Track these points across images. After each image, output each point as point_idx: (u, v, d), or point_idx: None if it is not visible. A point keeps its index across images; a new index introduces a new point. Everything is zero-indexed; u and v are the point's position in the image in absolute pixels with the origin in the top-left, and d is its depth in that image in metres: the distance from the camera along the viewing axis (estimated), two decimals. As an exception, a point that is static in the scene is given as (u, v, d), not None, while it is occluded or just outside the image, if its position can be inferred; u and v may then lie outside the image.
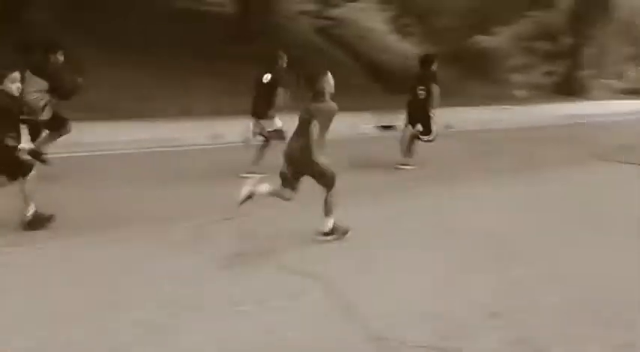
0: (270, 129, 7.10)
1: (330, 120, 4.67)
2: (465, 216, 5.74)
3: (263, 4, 15.50)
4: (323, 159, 4.65)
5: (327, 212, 4.70)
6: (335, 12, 19.04)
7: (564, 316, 3.51)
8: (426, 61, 8.23)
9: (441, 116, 12.32)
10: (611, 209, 6.19)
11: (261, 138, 7.16)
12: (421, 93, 7.94)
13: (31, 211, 4.69)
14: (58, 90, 6.30)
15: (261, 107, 7.08)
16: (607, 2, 18.75)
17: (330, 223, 4.69)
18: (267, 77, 7.04)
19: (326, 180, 4.67)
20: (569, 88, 18.85)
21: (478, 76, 17.39)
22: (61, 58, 6.43)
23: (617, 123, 14.07)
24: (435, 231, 5.20)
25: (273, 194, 4.73)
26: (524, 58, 19.72)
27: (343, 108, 12.89)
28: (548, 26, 20.06)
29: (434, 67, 8.10)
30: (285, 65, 7.24)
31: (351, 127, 11.63)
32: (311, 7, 18.38)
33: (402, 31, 16.12)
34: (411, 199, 6.37)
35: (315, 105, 4.62)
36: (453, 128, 12.23)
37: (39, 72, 6.15)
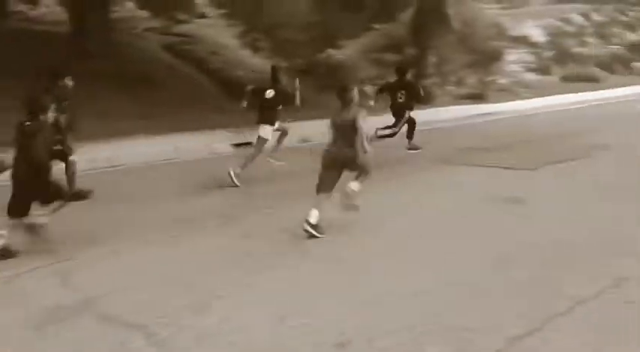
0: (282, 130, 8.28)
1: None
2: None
3: (102, 22, 14.58)
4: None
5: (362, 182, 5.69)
6: (183, 28, 18.49)
7: (415, 336, 3.40)
8: (401, 71, 10.29)
9: (298, 130, 12.33)
10: (462, 213, 6.42)
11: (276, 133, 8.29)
12: (400, 97, 9.99)
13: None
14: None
15: (267, 118, 7.99)
16: (444, 14, 19.97)
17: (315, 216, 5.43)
18: (270, 93, 7.94)
19: (367, 170, 5.68)
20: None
21: (332, 88, 17.73)
22: (70, 82, 6.50)
23: (458, 128, 14.96)
24: (285, 253, 4.99)
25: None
26: (373, 70, 20.41)
27: (196, 127, 12.34)
28: (393, 38, 20.99)
29: (409, 75, 10.32)
30: (285, 81, 8.28)
31: (205, 147, 11.23)
32: (157, 24, 17.69)
33: (252, 45, 15.97)
34: (262, 219, 6.14)
35: (353, 112, 5.61)
36: (310, 141, 12.23)
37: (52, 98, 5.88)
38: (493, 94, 21.88)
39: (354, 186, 5.63)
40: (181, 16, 17.80)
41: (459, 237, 5.53)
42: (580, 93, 22.12)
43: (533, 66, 26.61)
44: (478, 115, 17.11)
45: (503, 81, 24.13)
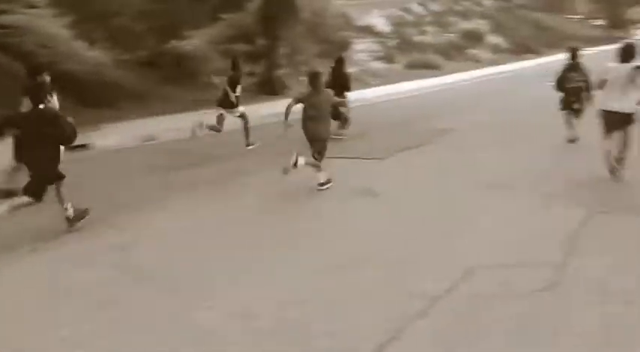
0: (237, 114, 9.77)
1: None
2: (148, 247, 5.05)
3: None
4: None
5: (318, 169, 7.03)
6: (8, 19, 16.45)
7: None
8: (339, 61, 11.23)
9: (140, 127, 11.45)
10: (315, 210, 6.19)
11: (214, 127, 9.88)
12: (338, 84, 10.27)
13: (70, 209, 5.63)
14: None
15: (226, 101, 9.58)
16: (292, 4, 19.80)
17: (323, 176, 7.05)
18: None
19: (324, 151, 7.08)
20: (270, 88, 19.50)
21: (180, 81, 16.86)
22: (47, 78, 6.85)
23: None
24: (113, 277, 4.41)
25: (308, 163, 6.95)
26: (223, 61, 19.79)
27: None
28: (242, 28, 20.49)
29: (345, 66, 11.29)
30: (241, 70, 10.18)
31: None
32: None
33: (87, 36, 14.59)
34: (87, 237, 5.45)
35: (328, 96, 7.20)
36: (155, 140, 11.44)
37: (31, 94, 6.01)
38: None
39: (302, 160, 6.89)
40: (4, 6, 15.80)
41: (306, 238, 5.28)
42: (423, 80, 23.31)
43: (379, 55, 27.57)
44: (330, 105, 17.24)
45: (352, 70, 24.72)
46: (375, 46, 28.60)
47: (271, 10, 18.61)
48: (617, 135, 6.95)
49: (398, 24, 33.28)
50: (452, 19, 38.45)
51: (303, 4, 21.79)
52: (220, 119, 9.82)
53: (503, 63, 31.53)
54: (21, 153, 5.98)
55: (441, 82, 23.26)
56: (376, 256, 4.75)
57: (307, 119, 6.97)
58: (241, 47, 21.04)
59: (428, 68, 26.88)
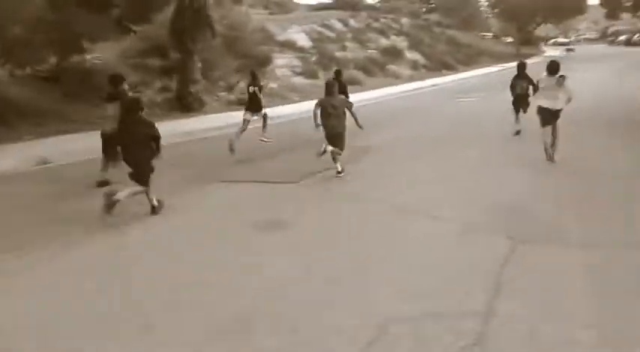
0: (262, 116, 11.44)
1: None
2: (43, 292, 4.22)
3: None
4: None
5: (336, 161, 8.68)
6: None
7: None
8: (338, 73, 12.82)
9: (34, 149, 10.33)
10: (209, 248, 5.49)
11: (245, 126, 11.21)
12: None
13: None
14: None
15: (253, 106, 11.30)
16: (206, 17, 18.94)
17: (340, 166, 8.67)
18: (252, 88, 11.30)
19: (343, 144, 8.75)
20: (185, 104, 18.56)
21: (84, 97, 15.63)
22: (126, 86, 8.29)
23: (226, 137, 14.17)
24: None
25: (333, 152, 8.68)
26: (136, 75, 18.69)
27: None
28: (153, 41, 19.51)
29: (341, 79, 12.39)
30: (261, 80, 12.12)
31: None
32: None
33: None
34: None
35: (343, 99, 9.31)
36: (50, 163, 10.35)
37: (112, 99, 7.91)
38: (264, 99, 21.69)
39: (330, 148, 8.57)
40: None
41: (187, 292, 4.48)
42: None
43: (300, 70, 27.19)
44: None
45: (273, 85, 24.15)
46: (296, 62, 28.21)
47: (183, 23, 17.70)
48: (550, 127, 9.12)
49: (318, 40, 33.12)
50: (371, 35, 38.81)
51: (220, 17, 21.03)
52: (246, 123, 11.24)
53: (422, 79, 32.00)
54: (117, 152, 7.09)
55: (362, 98, 23.09)
56: (270, 315, 4.04)
57: (327, 118, 8.50)
58: (154, 61, 20.01)
59: (349, 84, 26.64)
